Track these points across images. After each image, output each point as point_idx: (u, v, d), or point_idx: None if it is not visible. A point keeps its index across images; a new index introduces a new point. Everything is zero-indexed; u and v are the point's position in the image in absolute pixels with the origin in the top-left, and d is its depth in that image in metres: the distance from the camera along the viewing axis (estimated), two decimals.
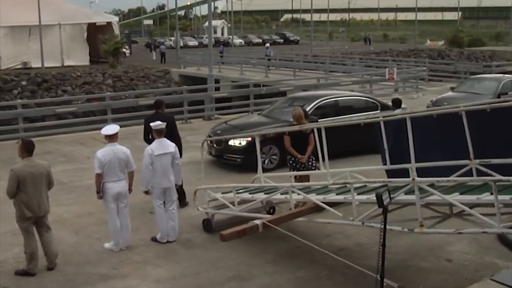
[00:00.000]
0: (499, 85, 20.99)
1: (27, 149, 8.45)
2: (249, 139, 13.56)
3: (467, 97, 19.77)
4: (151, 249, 9.53)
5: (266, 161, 13.98)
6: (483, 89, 21.18)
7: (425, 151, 7.75)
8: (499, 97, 19.27)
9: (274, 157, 14.28)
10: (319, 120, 13.28)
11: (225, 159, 14.61)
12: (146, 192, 9.76)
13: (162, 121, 10.01)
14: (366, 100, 16.90)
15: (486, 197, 6.72)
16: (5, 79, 39.13)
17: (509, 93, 20.26)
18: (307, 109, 14.20)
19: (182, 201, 11.43)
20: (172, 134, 10.95)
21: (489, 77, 23.44)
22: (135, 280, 8.37)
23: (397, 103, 14.14)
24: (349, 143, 14.22)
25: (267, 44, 53.56)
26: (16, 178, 8.22)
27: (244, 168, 13.70)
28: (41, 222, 8.61)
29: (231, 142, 14.27)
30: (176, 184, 9.97)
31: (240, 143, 14.28)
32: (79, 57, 50.66)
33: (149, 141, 10.83)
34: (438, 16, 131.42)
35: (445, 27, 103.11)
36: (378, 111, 15.68)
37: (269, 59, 45.95)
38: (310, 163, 10.69)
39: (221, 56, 50.49)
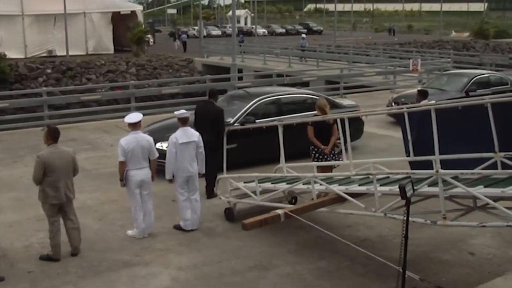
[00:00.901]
0: (468, 81, 20.07)
1: (53, 136, 8.54)
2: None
3: (431, 94, 18.74)
4: (173, 237, 9.60)
5: None
6: (451, 85, 20.30)
7: (449, 143, 7.69)
8: (466, 94, 18.84)
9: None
10: (256, 121, 13.17)
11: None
12: (170, 181, 9.81)
13: (210, 111, 11.26)
14: (312, 98, 14.96)
15: (511, 190, 6.66)
16: (31, 67, 39.52)
17: (478, 90, 19.19)
18: (245, 109, 13.75)
19: (210, 193, 11.41)
20: (215, 126, 11.36)
21: (460, 73, 22.35)
22: (157, 267, 8.44)
23: (423, 94, 14.01)
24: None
25: (303, 35, 52.45)
26: (42, 164, 8.31)
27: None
28: (66, 208, 8.71)
29: (158, 146, 12.04)
30: (199, 173, 10.01)
31: (167, 147, 12.46)
32: (103, 46, 50.99)
33: (197, 128, 10.96)
34: (463, 7, 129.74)
35: (470, 18, 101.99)
36: None
37: (303, 50, 45.23)
38: (332, 154, 10.66)
39: (240, 46, 49.81)
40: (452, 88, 19.73)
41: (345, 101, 16.93)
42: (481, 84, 20.07)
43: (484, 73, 22.02)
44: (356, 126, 14.27)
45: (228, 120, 12.93)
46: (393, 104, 18.63)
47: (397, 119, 8.85)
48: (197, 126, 11.12)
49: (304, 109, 14.23)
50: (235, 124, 13.12)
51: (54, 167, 8.37)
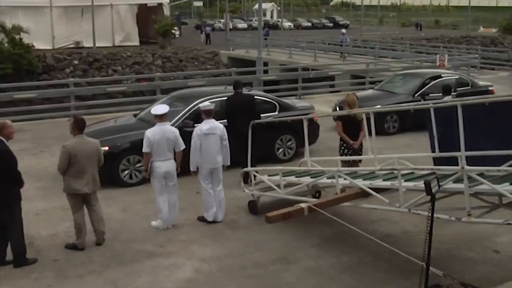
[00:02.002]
0: (421, 83, 17.80)
1: (79, 126, 8.63)
2: (107, 148, 11.20)
3: (379, 96, 17.79)
4: (197, 228, 9.67)
5: (129, 174, 11.96)
6: (402, 87, 18.18)
7: (475, 139, 7.62)
8: (422, 97, 16.63)
9: (138, 172, 12.01)
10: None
11: None
12: (194, 172, 9.87)
13: (243, 100, 11.71)
14: (264, 100, 13.99)
15: None
16: (58, 58, 39.88)
17: (430, 94, 16.70)
18: (184, 111, 12.66)
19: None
20: (251, 112, 11.55)
21: (414, 73, 19.90)
22: (181, 258, 8.51)
23: (447, 90, 13.84)
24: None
25: (343, 30, 48.91)
26: (67, 154, 8.41)
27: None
28: (90, 198, 8.81)
29: None
30: (223, 165, 10.05)
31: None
32: (129, 38, 51.25)
33: (229, 119, 11.21)
34: (492, 2, 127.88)
35: (499, 14, 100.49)
36: (276, 113, 13.76)
37: (341, 45, 42.84)
38: (361, 150, 10.64)
39: (265, 39, 48.84)
40: (403, 91, 17.66)
41: (300, 103, 16.05)
42: (438, 86, 16.72)
43: (441, 73, 19.41)
44: (312, 130, 13.40)
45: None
46: (337, 108, 17.10)
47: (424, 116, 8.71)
48: (231, 117, 11.52)
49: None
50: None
51: (79, 158, 8.46)
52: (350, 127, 10.57)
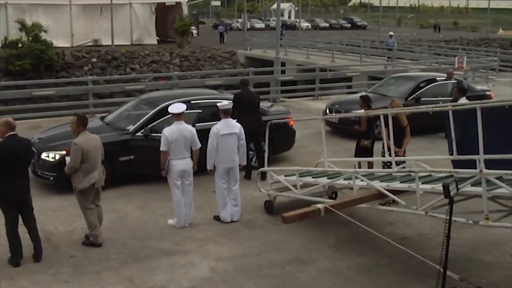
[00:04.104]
0: (414, 86, 17.42)
1: (83, 123, 8.67)
2: (64, 152, 10.65)
3: (372, 99, 17.00)
4: (213, 227, 9.70)
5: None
6: (395, 90, 17.61)
7: (494, 142, 7.56)
8: (416, 101, 16.63)
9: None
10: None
11: (39, 176, 11.38)
12: (211, 171, 9.90)
13: (252, 97, 12.63)
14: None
15: None
16: (77, 55, 40.13)
17: (422, 99, 16.69)
18: (146, 117, 11.97)
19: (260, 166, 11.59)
20: (257, 110, 12.73)
21: (408, 76, 19.63)
22: (197, 257, 8.54)
23: (462, 91, 13.72)
24: None
25: (391, 33, 44.37)
26: (80, 151, 8.42)
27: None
28: (99, 194, 8.90)
29: (44, 156, 11.19)
30: (240, 165, 10.07)
31: (53, 158, 11.19)
32: (147, 36, 51.43)
33: (235, 115, 11.29)
34: None
35: None
36: None
37: (390, 49, 39.37)
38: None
39: (281, 39, 47.21)
40: (395, 94, 16.75)
41: (275, 107, 15.37)
42: (431, 90, 17.29)
43: (435, 76, 18.71)
44: (287, 136, 13.64)
45: (128, 128, 11.95)
46: (327, 111, 16.98)
47: (443, 118, 8.61)
48: (239, 111, 11.93)
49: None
50: (138, 134, 11.72)
51: (90, 153, 8.53)
52: (394, 133, 10.34)
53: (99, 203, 9.01)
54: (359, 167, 10.26)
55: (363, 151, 11.24)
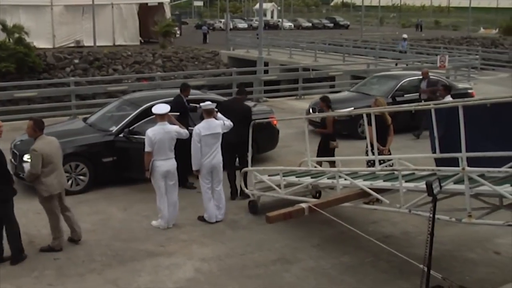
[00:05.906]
0: (395, 85, 17.54)
1: (40, 127, 8.48)
2: None
3: (354, 98, 17.47)
4: (197, 228, 9.67)
5: (71, 181, 11.06)
6: (377, 89, 17.69)
7: (476, 141, 7.61)
8: (393, 99, 16.82)
9: (81, 177, 11.34)
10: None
11: (22, 179, 10.55)
12: (197, 171, 9.86)
13: (238, 109, 10.98)
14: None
15: None
16: (59, 57, 39.93)
17: (406, 95, 17.09)
18: (128, 118, 11.86)
19: (233, 193, 11.09)
20: (244, 124, 10.77)
21: (390, 75, 19.97)
22: (181, 258, 8.51)
23: (447, 90, 13.85)
24: None
25: (404, 35, 42.31)
26: (40, 157, 8.21)
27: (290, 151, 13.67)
28: (63, 197, 8.80)
29: (26, 158, 10.44)
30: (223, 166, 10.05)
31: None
32: (130, 37, 51.27)
33: None
34: (492, 3, 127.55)
35: (499, 15, 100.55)
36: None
37: (405, 52, 38.29)
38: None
39: (257, 38, 46.06)
40: (377, 93, 16.60)
41: (258, 106, 15.06)
42: (412, 88, 17.46)
43: (417, 75, 18.38)
44: (271, 135, 13.64)
45: (111, 129, 11.85)
46: (310, 110, 16.97)
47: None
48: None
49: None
50: (121, 135, 11.60)
51: (51, 157, 8.37)
52: (378, 131, 10.37)
53: (66, 204, 8.86)
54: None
55: (331, 153, 11.31)
